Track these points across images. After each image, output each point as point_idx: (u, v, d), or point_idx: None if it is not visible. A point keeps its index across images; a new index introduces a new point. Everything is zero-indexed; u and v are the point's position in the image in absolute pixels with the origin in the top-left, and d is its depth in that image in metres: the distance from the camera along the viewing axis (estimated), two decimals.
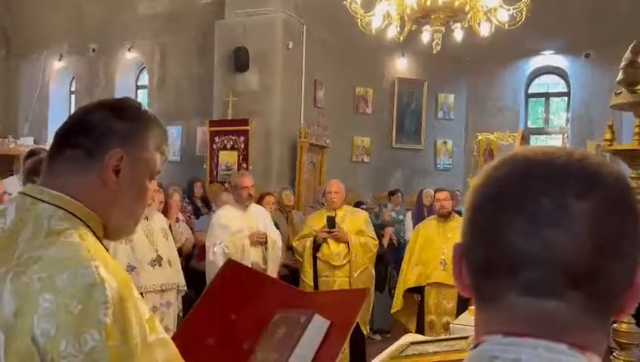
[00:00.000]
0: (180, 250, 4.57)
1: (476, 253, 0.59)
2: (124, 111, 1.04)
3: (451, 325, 3.27)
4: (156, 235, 3.73)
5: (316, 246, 4.60)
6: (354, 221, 4.70)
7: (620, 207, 0.56)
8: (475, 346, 0.60)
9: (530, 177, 0.57)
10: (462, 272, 0.62)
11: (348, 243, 4.56)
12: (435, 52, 4.72)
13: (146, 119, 1.07)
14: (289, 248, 5.08)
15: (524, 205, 0.55)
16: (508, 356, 0.55)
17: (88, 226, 0.96)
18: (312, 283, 4.56)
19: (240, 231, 4.21)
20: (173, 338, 1.10)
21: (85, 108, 1.06)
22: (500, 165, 0.60)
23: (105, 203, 1.00)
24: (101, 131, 1.00)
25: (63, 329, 0.80)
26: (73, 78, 10.31)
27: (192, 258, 5.26)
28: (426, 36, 4.93)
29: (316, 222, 4.74)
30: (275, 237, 4.41)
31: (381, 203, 7.31)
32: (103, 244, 0.98)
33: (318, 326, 1.26)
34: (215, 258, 4.08)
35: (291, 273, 5.15)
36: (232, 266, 1.53)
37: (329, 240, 4.56)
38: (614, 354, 2.01)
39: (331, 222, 4.54)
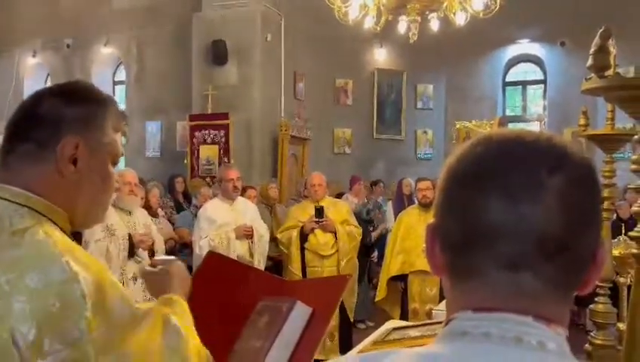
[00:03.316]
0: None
1: (452, 230, 0.61)
2: (75, 95, 0.98)
3: (433, 311, 3.31)
4: (139, 230, 3.70)
5: (303, 237, 4.62)
6: (338, 211, 4.75)
7: (586, 183, 0.59)
8: (447, 323, 0.61)
9: (505, 155, 0.59)
10: (435, 251, 0.63)
11: (335, 233, 4.60)
12: (411, 42, 4.75)
13: (99, 100, 1.00)
14: (272, 240, 5.10)
15: (500, 182, 0.58)
16: (478, 331, 0.57)
17: (53, 221, 0.93)
18: (300, 274, 4.58)
19: (226, 225, 4.21)
20: None
21: (34, 96, 0.99)
22: (475, 145, 0.62)
23: (68, 195, 0.95)
24: (52, 121, 0.94)
25: (43, 329, 0.78)
26: (48, 74, 10.11)
27: (175, 254, 5.23)
28: (402, 26, 4.95)
29: (300, 213, 4.76)
30: (262, 231, 4.42)
31: (372, 198, 7.23)
32: (80, 239, 0.95)
33: (300, 313, 1.28)
34: (201, 251, 4.07)
35: (275, 265, 5.16)
36: (213, 257, 1.54)
37: (316, 230, 4.59)
38: (592, 333, 2.04)
39: (320, 212, 4.57)
